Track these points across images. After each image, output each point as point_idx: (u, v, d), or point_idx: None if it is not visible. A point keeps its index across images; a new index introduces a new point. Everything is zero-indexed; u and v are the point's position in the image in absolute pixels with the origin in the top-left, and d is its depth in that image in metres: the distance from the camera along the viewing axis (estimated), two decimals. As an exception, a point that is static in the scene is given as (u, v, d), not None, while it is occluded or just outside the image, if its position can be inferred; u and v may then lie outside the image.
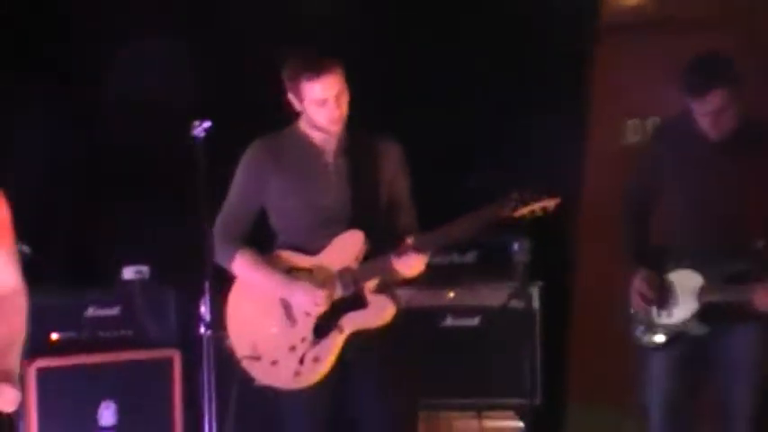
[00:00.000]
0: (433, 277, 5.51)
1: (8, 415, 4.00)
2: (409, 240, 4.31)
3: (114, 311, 5.54)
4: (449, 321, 5.70)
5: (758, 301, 4.53)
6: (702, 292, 4.64)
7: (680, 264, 4.70)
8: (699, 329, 4.66)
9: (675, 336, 4.69)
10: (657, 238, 4.82)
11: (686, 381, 4.79)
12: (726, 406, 4.78)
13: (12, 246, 3.99)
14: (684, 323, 4.68)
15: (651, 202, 4.82)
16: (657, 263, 4.71)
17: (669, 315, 4.72)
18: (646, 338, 4.74)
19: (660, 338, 4.72)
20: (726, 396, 4.77)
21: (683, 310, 4.69)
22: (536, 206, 4.24)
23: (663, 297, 4.69)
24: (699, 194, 4.70)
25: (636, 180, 4.86)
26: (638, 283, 4.69)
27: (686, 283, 4.69)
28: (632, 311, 4.76)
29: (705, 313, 4.64)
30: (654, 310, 4.71)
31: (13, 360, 3.94)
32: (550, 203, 4.24)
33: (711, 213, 4.66)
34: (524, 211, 4.23)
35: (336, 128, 4.37)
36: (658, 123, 4.97)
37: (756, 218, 4.67)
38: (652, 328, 4.73)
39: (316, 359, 4.36)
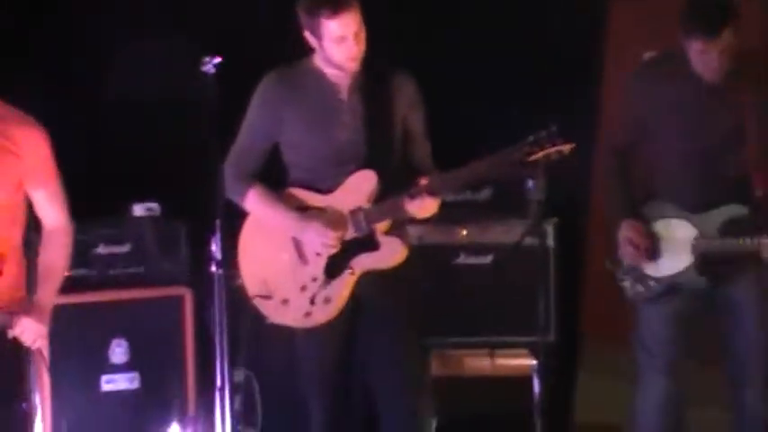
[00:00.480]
0: (446, 215, 5.54)
1: (28, 350, 4.09)
2: (423, 182, 4.31)
3: (125, 249, 5.55)
4: (461, 259, 5.70)
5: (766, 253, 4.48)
6: (697, 243, 4.59)
7: (669, 213, 4.64)
8: (696, 283, 4.62)
9: (669, 288, 4.65)
10: (641, 189, 4.78)
11: (682, 332, 4.76)
12: (734, 352, 4.74)
13: (57, 185, 4.24)
14: (680, 275, 4.63)
15: (633, 153, 4.73)
16: (645, 213, 4.67)
17: (658, 266, 4.67)
18: (635, 290, 4.71)
19: (652, 290, 4.68)
20: (732, 342, 4.73)
21: (676, 261, 4.64)
22: (551, 150, 4.23)
23: (653, 247, 4.64)
24: (695, 139, 4.61)
25: (620, 131, 4.77)
26: (628, 232, 4.63)
27: (678, 234, 4.63)
28: (616, 263, 4.73)
29: (702, 265, 4.59)
30: (644, 260, 4.65)
31: (47, 295, 4.21)
32: (565, 148, 4.23)
33: (709, 159, 4.59)
34: (540, 155, 4.24)
35: (352, 65, 4.36)
36: (640, 67, 4.86)
37: (753, 163, 4.60)
38: (642, 279, 4.69)
39: (326, 299, 4.41)
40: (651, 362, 4.79)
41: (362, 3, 4.34)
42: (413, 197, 4.31)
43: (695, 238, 4.60)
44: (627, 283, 4.74)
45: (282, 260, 4.46)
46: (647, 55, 4.95)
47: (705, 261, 4.60)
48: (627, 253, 4.68)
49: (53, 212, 4.23)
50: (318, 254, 4.39)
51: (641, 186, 4.76)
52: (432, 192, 4.31)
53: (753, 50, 4.70)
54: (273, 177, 4.57)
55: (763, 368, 4.71)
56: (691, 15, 4.51)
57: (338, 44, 4.30)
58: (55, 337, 5.26)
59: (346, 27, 4.28)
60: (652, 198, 4.71)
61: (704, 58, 4.48)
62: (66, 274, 5.22)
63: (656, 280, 4.67)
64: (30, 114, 4.19)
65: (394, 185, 4.40)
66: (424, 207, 4.34)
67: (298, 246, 4.43)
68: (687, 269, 4.63)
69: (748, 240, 4.50)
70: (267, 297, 4.48)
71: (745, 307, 4.68)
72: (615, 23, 6.01)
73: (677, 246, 4.64)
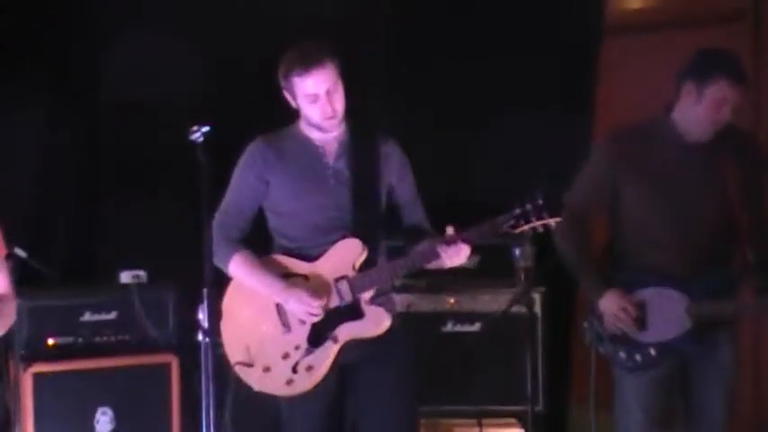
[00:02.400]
0: (433, 282, 5.55)
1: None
2: (451, 230, 4.26)
3: (111, 316, 5.52)
4: (449, 327, 5.68)
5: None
6: (690, 309, 4.56)
7: (653, 280, 4.61)
8: (691, 347, 4.60)
9: (665, 353, 4.62)
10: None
11: (669, 397, 4.74)
12: (701, 410, 4.73)
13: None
14: (676, 339, 4.60)
15: (589, 225, 4.72)
16: (623, 280, 4.63)
17: (651, 333, 4.62)
18: (633, 360, 4.66)
19: (650, 357, 4.63)
20: (702, 400, 4.72)
21: (671, 326, 4.61)
22: (537, 224, 4.24)
23: (643, 315, 4.61)
24: (678, 201, 4.58)
25: (583, 198, 4.67)
26: (618, 302, 4.57)
27: (669, 301, 4.59)
28: (598, 334, 4.69)
29: (697, 330, 4.57)
30: (635, 329, 4.60)
31: None
32: (551, 221, 4.24)
33: (692, 221, 4.57)
34: (525, 228, 4.24)
35: (330, 124, 4.36)
36: (611, 138, 4.79)
37: (737, 224, 4.60)
38: (637, 348, 4.64)
39: (309, 368, 4.36)
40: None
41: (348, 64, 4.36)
42: (448, 244, 4.26)
43: (689, 303, 4.57)
44: (622, 354, 4.68)
45: (265, 327, 4.42)
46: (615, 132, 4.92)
47: (699, 325, 4.59)
48: (617, 322, 4.64)
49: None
50: (302, 322, 4.36)
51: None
52: (465, 239, 4.25)
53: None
54: (259, 243, 4.54)
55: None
56: (698, 62, 4.52)
57: (312, 103, 4.31)
58: (41, 404, 5.31)
59: (318, 85, 4.28)
60: (620, 262, 4.68)
61: (702, 108, 4.46)
62: (53, 341, 5.32)
63: (654, 346, 4.63)
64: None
65: (378, 253, 4.39)
66: (459, 254, 4.28)
67: (281, 313, 4.39)
68: (685, 334, 4.60)
69: (746, 303, 4.52)
70: (249, 364, 4.43)
71: (721, 370, 4.69)
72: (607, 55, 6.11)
73: (670, 312, 4.61)
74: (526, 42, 6.03)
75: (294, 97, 4.34)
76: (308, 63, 4.27)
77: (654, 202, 4.57)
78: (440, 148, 5.91)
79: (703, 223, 4.55)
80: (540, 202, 4.22)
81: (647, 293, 4.62)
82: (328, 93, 4.30)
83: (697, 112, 4.47)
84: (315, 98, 4.29)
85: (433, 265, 4.37)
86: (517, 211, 4.23)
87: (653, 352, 4.62)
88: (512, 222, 4.23)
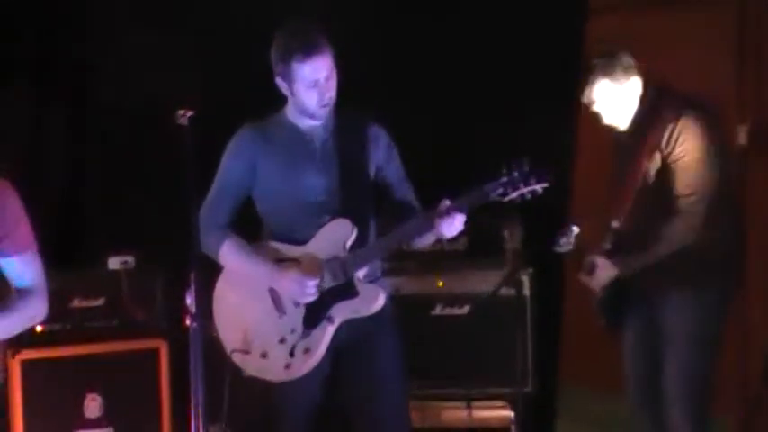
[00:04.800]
0: (422, 265, 5.55)
1: None
2: (446, 202, 4.25)
3: (100, 302, 5.53)
4: (438, 310, 5.71)
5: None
6: None
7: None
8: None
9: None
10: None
11: (646, 355, 4.90)
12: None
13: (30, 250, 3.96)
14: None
15: None
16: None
17: None
18: None
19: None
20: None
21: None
22: (525, 191, 4.23)
23: None
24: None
25: None
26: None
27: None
28: None
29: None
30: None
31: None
32: (539, 188, 4.23)
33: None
34: (514, 195, 4.23)
35: (323, 111, 4.37)
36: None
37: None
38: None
39: (306, 350, 4.37)
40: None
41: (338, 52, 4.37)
42: (442, 216, 4.25)
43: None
44: None
45: (259, 313, 4.43)
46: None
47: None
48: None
49: (26, 280, 3.97)
50: (296, 304, 4.37)
51: None
52: (459, 209, 4.25)
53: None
54: (248, 230, 4.56)
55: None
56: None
57: (310, 89, 4.30)
58: (30, 391, 5.31)
59: (318, 71, 4.28)
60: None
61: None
62: (41, 327, 5.23)
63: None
64: None
65: (369, 233, 4.42)
66: (455, 224, 4.27)
67: (274, 297, 4.40)
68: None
69: None
70: (246, 351, 4.45)
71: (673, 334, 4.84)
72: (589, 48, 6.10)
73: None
74: (510, 23, 6.03)
75: (291, 83, 4.33)
76: (309, 48, 4.26)
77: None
78: (425, 133, 5.90)
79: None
80: (526, 168, 4.22)
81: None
82: (326, 79, 4.31)
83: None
84: (314, 84, 4.29)
85: (426, 241, 4.39)
86: (504, 178, 4.23)
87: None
88: (500, 191, 4.23)
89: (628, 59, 4.79)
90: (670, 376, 4.82)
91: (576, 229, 4.83)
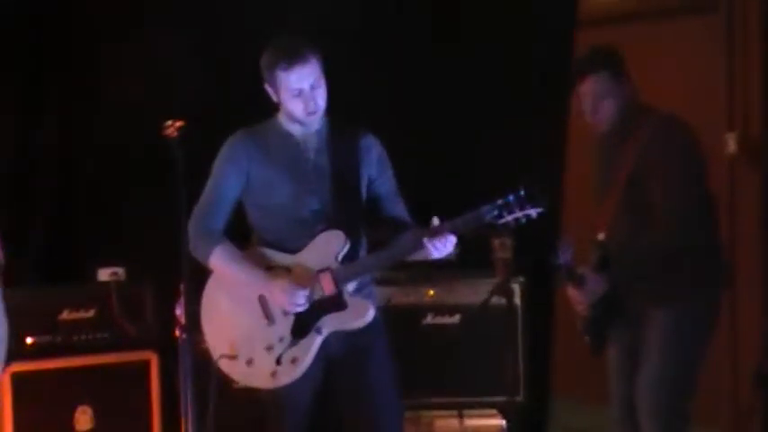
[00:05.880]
0: (413, 275, 5.56)
1: None
2: (437, 221, 4.27)
3: (90, 314, 5.54)
4: (429, 319, 5.72)
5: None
6: None
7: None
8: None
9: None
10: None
11: (630, 375, 4.90)
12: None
13: None
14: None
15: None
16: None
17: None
18: None
19: None
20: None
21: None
22: (520, 215, 4.25)
23: None
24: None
25: None
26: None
27: None
28: None
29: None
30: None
31: None
32: (534, 213, 4.25)
33: None
34: (509, 219, 4.25)
35: (312, 119, 4.38)
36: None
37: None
38: None
39: (294, 360, 4.37)
40: None
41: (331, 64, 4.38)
42: (433, 236, 4.27)
43: None
44: None
45: (248, 319, 4.42)
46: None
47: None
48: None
49: None
50: (286, 313, 4.38)
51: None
52: (451, 229, 4.26)
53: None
54: (238, 237, 4.54)
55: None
56: None
57: (295, 97, 4.33)
58: (19, 404, 5.31)
59: (302, 80, 4.31)
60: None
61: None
62: (31, 340, 5.32)
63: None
64: None
65: (360, 246, 4.42)
66: (446, 244, 4.29)
67: (264, 305, 4.40)
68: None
69: None
70: (232, 357, 4.45)
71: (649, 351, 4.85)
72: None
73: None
74: (500, 34, 6.06)
75: (277, 91, 4.36)
76: (292, 58, 4.30)
77: None
78: (415, 142, 5.92)
79: None
80: (522, 193, 4.24)
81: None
82: (312, 88, 4.33)
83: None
84: (298, 93, 4.32)
85: (416, 257, 4.38)
86: (500, 201, 4.24)
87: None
88: (495, 213, 4.24)
89: (621, 58, 4.83)
90: (641, 388, 4.81)
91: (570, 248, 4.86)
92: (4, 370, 4.16)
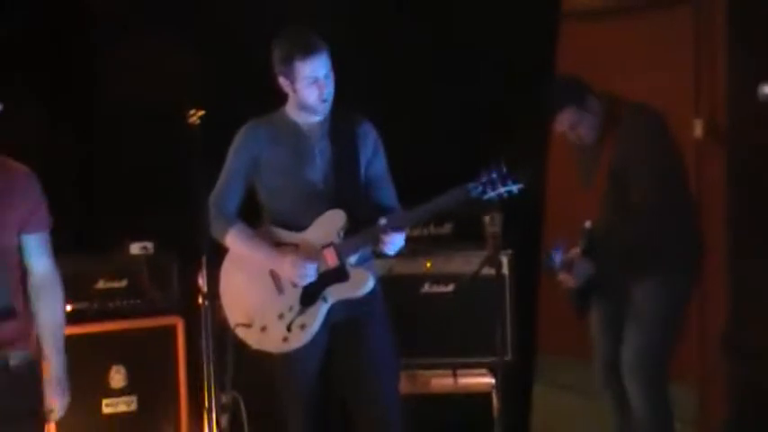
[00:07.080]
0: (412, 247, 5.38)
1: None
2: (383, 221, 4.43)
3: (123, 283, 5.66)
4: (426, 288, 5.79)
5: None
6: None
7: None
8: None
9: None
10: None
11: (613, 340, 5.09)
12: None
13: (44, 232, 4.10)
14: None
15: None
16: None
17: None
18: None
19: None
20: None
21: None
22: (502, 191, 4.44)
23: None
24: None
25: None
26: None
27: None
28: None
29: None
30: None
31: (59, 362, 4.15)
32: (515, 188, 4.43)
33: None
34: (492, 194, 4.43)
35: (323, 107, 4.48)
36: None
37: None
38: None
39: (302, 326, 4.52)
40: None
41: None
42: (384, 232, 4.40)
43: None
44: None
45: (261, 291, 4.55)
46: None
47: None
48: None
49: (39, 261, 4.12)
50: (295, 284, 4.50)
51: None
52: (394, 228, 4.42)
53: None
54: (251, 215, 4.65)
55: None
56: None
57: (311, 86, 4.42)
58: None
59: (318, 69, 4.41)
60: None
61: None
62: (69, 307, 5.25)
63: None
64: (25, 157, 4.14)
65: (361, 222, 4.53)
66: (393, 242, 4.44)
67: (275, 278, 4.54)
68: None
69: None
70: (247, 325, 4.57)
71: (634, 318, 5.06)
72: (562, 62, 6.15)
73: None
74: (482, 30, 6.04)
75: (293, 81, 4.44)
76: (309, 47, 4.39)
77: None
78: (403, 135, 5.55)
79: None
80: (504, 170, 4.39)
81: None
82: (325, 76, 4.44)
83: None
84: (314, 81, 4.41)
85: (374, 246, 4.51)
86: (483, 178, 4.39)
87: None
88: (480, 189, 4.40)
89: (581, 86, 4.94)
90: (628, 356, 4.96)
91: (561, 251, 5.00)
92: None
